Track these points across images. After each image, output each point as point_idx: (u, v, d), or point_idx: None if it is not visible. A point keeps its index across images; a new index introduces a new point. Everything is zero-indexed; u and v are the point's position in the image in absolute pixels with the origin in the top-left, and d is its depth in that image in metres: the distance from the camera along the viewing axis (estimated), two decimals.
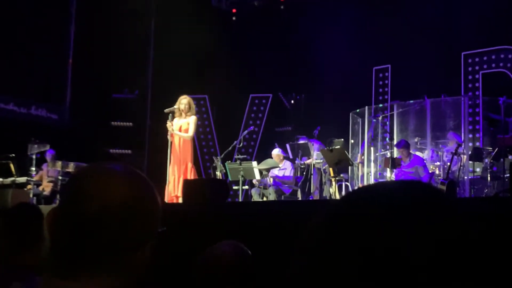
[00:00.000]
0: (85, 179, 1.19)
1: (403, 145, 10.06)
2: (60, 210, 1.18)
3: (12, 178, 9.78)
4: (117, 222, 1.14)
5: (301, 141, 11.14)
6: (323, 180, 10.83)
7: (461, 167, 9.95)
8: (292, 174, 10.88)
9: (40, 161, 10.92)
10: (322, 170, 10.83)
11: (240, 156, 10.42)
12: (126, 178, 1.20)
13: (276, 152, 11.03)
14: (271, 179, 10.56)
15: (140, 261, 1.19)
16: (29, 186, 9.90)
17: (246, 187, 10.90)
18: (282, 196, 10.49)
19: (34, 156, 10.63)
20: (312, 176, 10.77)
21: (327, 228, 0.71)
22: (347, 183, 11.24)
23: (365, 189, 0.78)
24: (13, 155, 10.12)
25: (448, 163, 9.39)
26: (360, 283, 0.65)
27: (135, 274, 1.20)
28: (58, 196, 9.61)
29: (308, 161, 10.86)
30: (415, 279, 0.63)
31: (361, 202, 0.72)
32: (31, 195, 9.69)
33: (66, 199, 1.19)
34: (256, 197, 10.38)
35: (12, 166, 9.92)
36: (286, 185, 10.67)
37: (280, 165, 10.76)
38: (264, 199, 10.20)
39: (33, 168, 10.49)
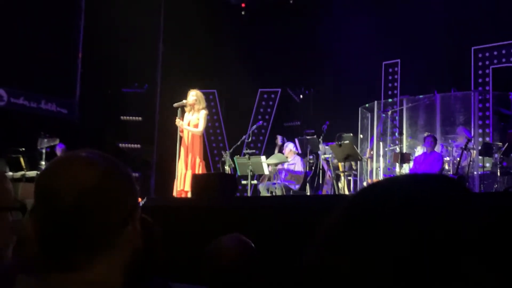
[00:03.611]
0: (51, 175, 1.18)
1: (432, 137, 10.05)
2: (37, 210, 1.18)
3: (22, 172, 9.83)
4: (92, 208, 1.14)
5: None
6: (333, 175, 10.82)
7: (471, 162, 9.90)
8: (302, 169, 10.87)
9: (50, 155, 10.94)
10: (331, 164, 10.81)
11: (248, 151, 10.43)
12: (90, 162, 1.19)
13: (290, 147, 11.02)
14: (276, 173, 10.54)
15: (132, 235, 1.19)
16: None
17: (255, 181, 10.91)
18: (290, 191, 10.49)
19: (44, 150, 10.68)
20: (321, 170, 10.78)
21: (346, 224, 0.71)
22: (355, 178, 11.22)
23: (380, 184, 0.77)
24: (23, 149, 10.17)
25: (458, 158, 9.36)
26: (378, 278, 0.64)
27: (131, 248, 1.20)
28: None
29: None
30: (438, 271, 0.63)
31: (378, 197, 0.72)
32: None
33: (38, 200, 1.19)
34: (264, 193, 10.38)
35: (22, 160, 9.97)
36: (294, 181, 10.67)
37: (289, 160, 10.75)
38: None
39: (43, 162, 10.53)
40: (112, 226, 1.16)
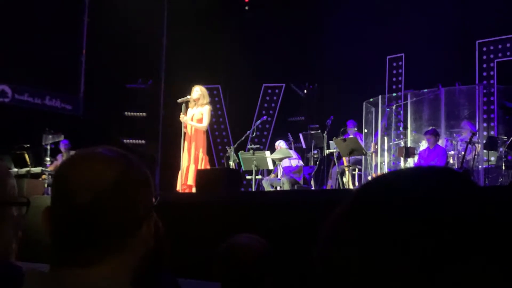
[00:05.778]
0: (69, 171, 1.17)
1: (432, 132, 10.03)
2: (53, 205, 1.18)
3: (27, 168, 9.86)
4: (109, 207, 1.14)
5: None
6: (337, 170, 10.81)
7: (476, 156, 9.88)
8: (300, 161, 10.86)
9: (55, 151, 10.99)
10: (335, 159, 10.81)
11: (253, 146, 10.42)
12: (109, 160, 1.18)
13: (281, 145, 10.98)
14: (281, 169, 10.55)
15: (145, 236, 1.19)
16: (43, 176, 9.98)
17: (259, 176, 10.91)
18: (295, 186, 10.49)
19: (48, 147, 10.71)
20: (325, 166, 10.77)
21: (352, 218, 0.71)
22: (360, 172, 11.21)
23: (385, 177, 0.77)
24: (28, 145, 10.20)
25: (463, 152, 9.33)
26: (386, 271, 0.65)
27: (144, 249, 1.21)
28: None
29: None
30: (444, 264, 0.63)
31: (383, 191, 0.72)
32: (45, 185, 9.76)
33: (55, 195, 1.18)
34: (268, 188, 10.39)
35: (27, 156, 10.00)
36: (297, 173, 10.67)
37: (293, 155, 10.75)
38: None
39: (48, 158, 10.57)
40: (127, 226, 1.16)
